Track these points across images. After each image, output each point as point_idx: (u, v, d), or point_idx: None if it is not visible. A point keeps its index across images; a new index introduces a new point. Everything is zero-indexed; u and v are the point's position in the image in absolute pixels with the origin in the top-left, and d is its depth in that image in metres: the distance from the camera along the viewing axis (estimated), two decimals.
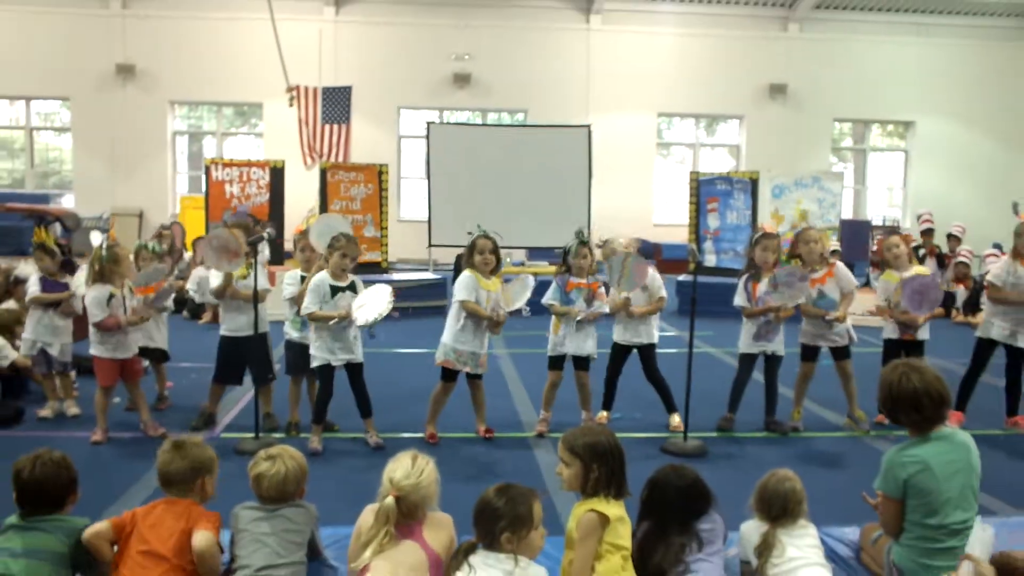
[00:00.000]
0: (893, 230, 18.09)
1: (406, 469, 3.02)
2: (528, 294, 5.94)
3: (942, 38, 19.90)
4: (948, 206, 16.80)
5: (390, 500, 2.97)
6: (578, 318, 5.97)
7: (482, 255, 5.77)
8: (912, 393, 3.24)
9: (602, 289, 6.16)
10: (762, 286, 6.12)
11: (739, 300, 6.29)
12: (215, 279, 5.96)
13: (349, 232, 5.95)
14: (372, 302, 5.56)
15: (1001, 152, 20.25)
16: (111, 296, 5.74)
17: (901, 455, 3.27)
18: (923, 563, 3.19)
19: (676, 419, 6.22)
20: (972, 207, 18.24)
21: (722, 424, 6.27)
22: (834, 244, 13.72)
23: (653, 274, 6.26)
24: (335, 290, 5.63)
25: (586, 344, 6.08)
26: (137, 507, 3.16)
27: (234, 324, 6.04)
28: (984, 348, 6.37)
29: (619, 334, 6.31)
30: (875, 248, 8.70)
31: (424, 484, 3.02)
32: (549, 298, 6.09)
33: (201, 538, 2.98)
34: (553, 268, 6.56)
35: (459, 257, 6.05)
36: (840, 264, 6.37)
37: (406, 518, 3.01)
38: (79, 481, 3.19)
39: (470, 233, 5.93)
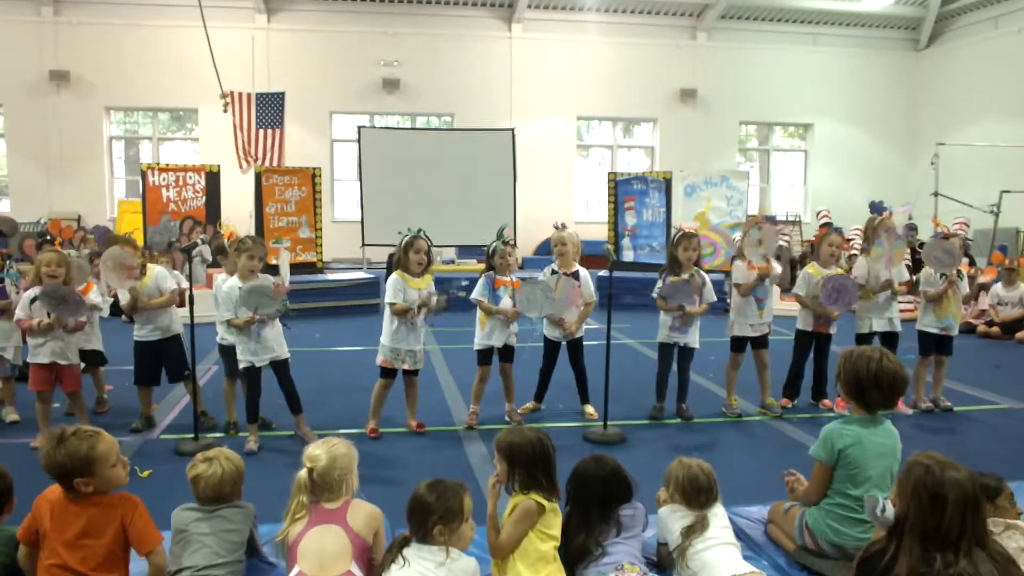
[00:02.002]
0: (796, 223, 18.62)
1: (318, 444, 3.11)
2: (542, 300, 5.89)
3: (835, 47, 20.47)
4: (844, 202, 17.27)
5: (303, 471, 3.02)
6: (511, 324, 5.99)
7: (418, 254, 5.73)
8: (891, 374, 3.35)
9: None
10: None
11: (656, 293, 6.35)
12: (123, 297, 5.77)
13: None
14: (265, 299, 5.35)
15: (888, 153, 20.95)
16: (34, 299, 5.44)
17: (841, 427, 3.44)
18: (835, 527, 3.38)
19: (590, 409, 6.31)
20: (864, 204, 18.73)
21: (653, 413, 6.32)
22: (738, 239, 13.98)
23: (585, 276, 6.30)
24: None
25: (511, 336, 6.08)
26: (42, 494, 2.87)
27: (144, 329, 5.85)
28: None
29: (549, 330, 6.35)
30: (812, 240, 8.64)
31: (334, 460, 3.02)
32: (478, 294, 6.06)
33: (156, 556, 2.89)
34: (481, 266, 6.52)
35: (391, 256, 5.92)
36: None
37: (322, 493, 3.01)
38: (14, 488, 3.08)
39: (401, 233, 5.85)
